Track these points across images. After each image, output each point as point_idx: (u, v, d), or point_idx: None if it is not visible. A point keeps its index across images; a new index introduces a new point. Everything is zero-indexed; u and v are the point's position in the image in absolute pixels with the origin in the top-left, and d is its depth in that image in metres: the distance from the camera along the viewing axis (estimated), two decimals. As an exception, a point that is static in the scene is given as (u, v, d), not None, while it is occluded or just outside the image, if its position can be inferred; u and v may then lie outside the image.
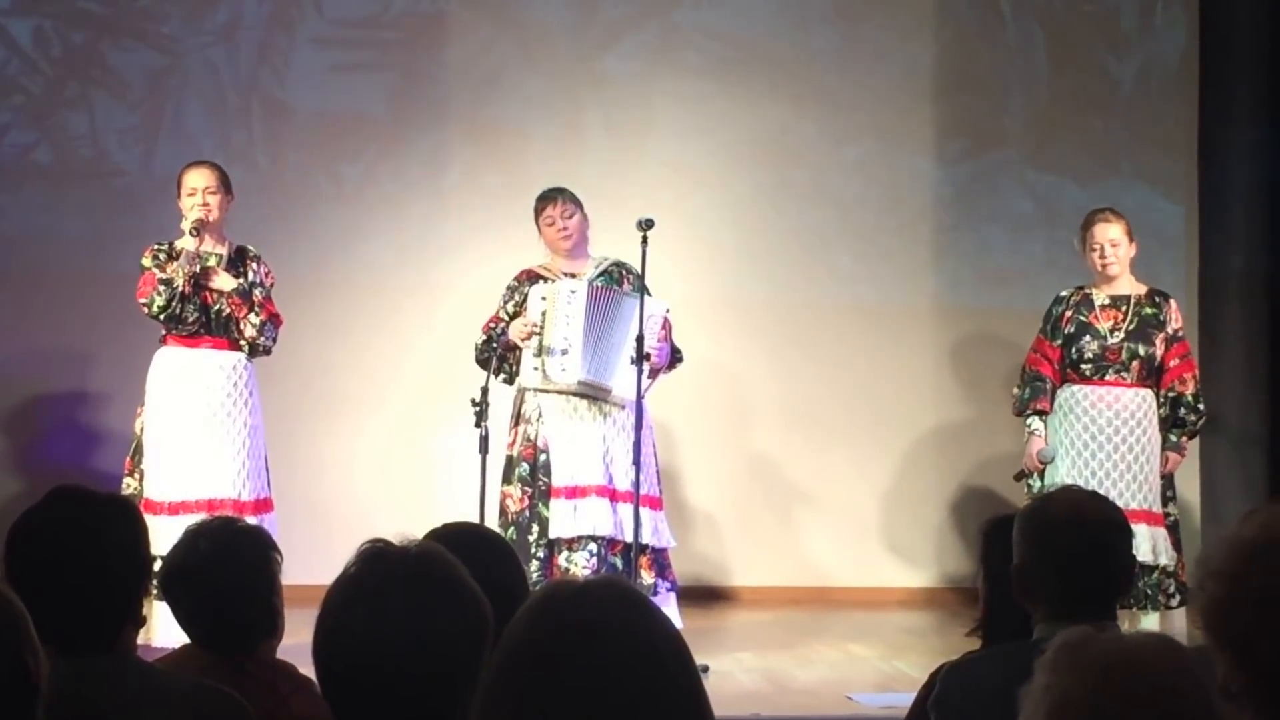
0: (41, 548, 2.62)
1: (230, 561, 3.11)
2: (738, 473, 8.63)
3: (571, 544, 6.48)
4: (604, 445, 6.57)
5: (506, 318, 6.68)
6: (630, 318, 6.51)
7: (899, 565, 8.69)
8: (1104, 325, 6.74)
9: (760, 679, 6.39)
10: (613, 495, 6.52)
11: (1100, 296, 6.79)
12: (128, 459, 6.55)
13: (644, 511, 6.48)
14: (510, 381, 6.73)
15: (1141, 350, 6.71)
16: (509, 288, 6.77)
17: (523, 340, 6.56)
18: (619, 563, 6.51)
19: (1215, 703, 1.81)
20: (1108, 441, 6.67)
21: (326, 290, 8.27)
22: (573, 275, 6.69)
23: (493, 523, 6.36)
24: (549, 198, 6.74)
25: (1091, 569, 2.95)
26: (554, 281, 6.64)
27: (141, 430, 6.52)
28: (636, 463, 6.32)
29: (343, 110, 8.42)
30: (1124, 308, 6.77)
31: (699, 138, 8.66)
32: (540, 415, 6.59)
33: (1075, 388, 6.77)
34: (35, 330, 8.11)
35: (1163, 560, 6.58)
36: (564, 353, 6.49)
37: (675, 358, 6.76)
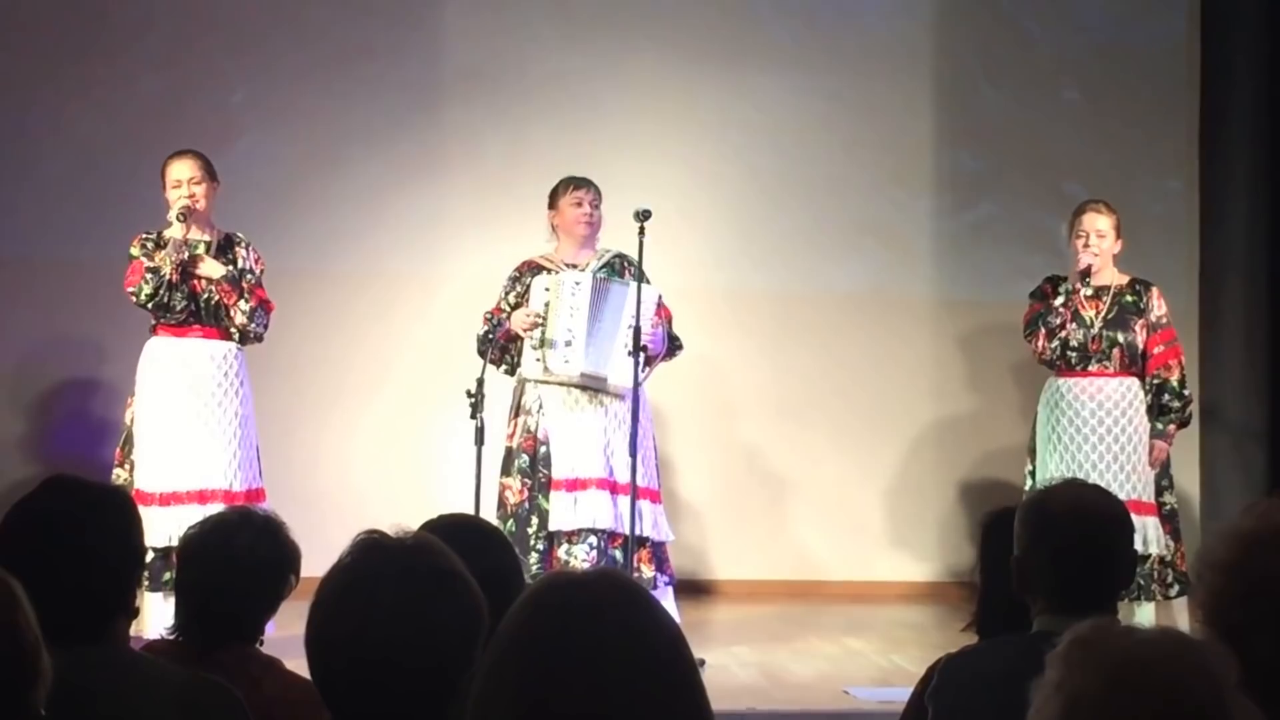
0: (35, 538, 2.61)
1: (260, 560, 3.10)
2: (733, 465, 8.62)
3: (571, 537, 6.44)
4: (604, 437, 6.54)
5: (508, 308, 6.64)
6: (621, 306, 6.49)
7: (896, 559, 8.68)
8: (1088, 314, 6.75)
9: (756, 673, 6.39)
10: (613, 488, 6.49)
11: (1084, 289, 6.78)
12: (118, 449, 6.54)
13: (644, 505, 6.47)
14: (511, 372, 6.70)
15: (1121, 338, 6.72)
16: (510, 278, 6.73)
17: (525, 331, 6.53)
18: (619, 556, 6.49)
19: (1229, 701, 1.79)
20: (1092, 433, 6.67)
21: (322, 281, 8.25)
22: (574, 266, 6.67)
23: (490, 514, 6.35)
24: (584, 183, 6.68)
25: (1091, 562, 2.94)
26: (557, 272, 6.62)
27: (132, 420, 6.50)
28: (633, 454, 6.30)
29: (339, 99, 8.41)
30: (1104, 297, 6.78)
31: (695, 128, 8.64)
32: (541, 407, 6.56)
33: (1060, 380, 6.78)
34: (39, 320, 8.11)
35: (1154, 550, 6.58)
36: (567, 344, 6.45)
37: (674, 346, 6.72)
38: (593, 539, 6.45)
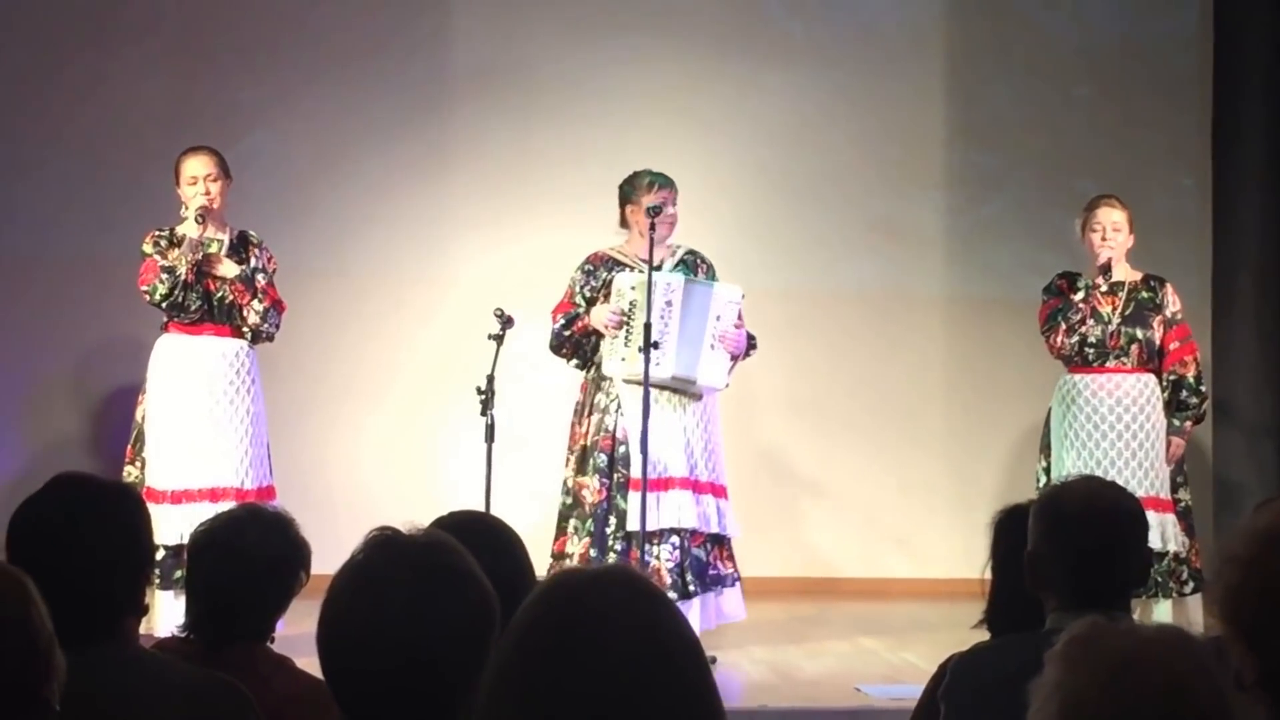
0: (42, 535, 2.60)
1: (270, 558, 3.09)
2: (744, 463, 8.59)
3: (652, 536, 6.33)
4: (684, 436, 6.47)
5: (583, 302, 6.55)
6: (707, 307, 6.44)
7: (907, 556, 8.67)
8: (1105, 310, 6.74)
9: (768, 670, 6.38)
10: (695, 486, 6.44)
11: (1103, 284, 6.77)
12: (129, 447, 6.52)
13: (722, 503, 6.48)
14: (583, 367, 6.61)
15: (1139, 334, 6.71)
16: (584, 271, 6.61)
17: (610, 329, 6.42)
18: (702, 555, 6.45)
19: (1228, 698, 1.78)
20: (1110, 430, 6.65)
21: (329, 279, 8.25)
22: (647, 261, 6.56)
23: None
24: (668, 182, 6.53)
25: (1104, 559, 2.92)
26: (641, 271, 6.45)
27: (143, 418, 6.49)
28: (644, 451, 6.24)
29: (346, 97, 8.40)
30: (1119, 293, 6.76)
31: (705, 125, 8.62)
32: (619, 406, 6.45)
33: (1076, 377, 6.75)
34: (46, 317, 8.11)
35: (1172, 546, 6.56)
36: (657, 345, 6.30)
37: (750, 346, 6.65)
38: (675, 538, 6.38)
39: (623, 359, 6.40)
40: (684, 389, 6.47)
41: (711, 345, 6.39)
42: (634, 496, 6.33)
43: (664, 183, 6.55)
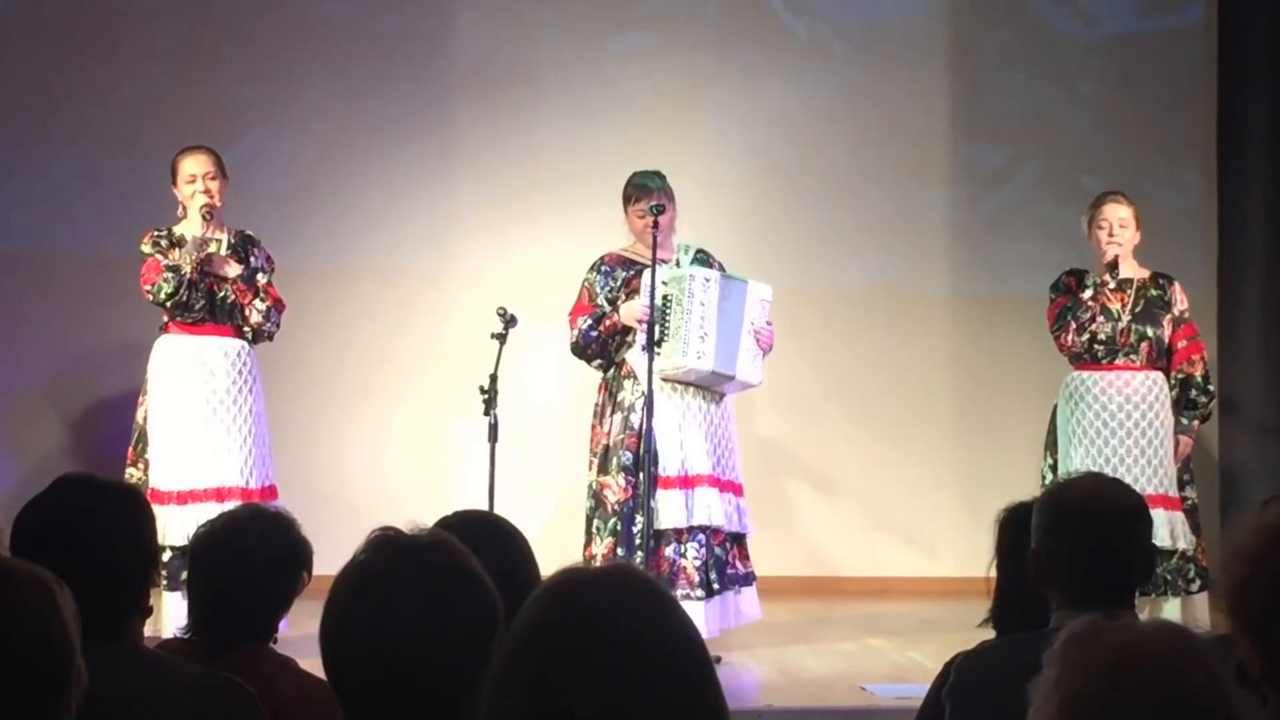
0: (46, 536, 2.60)
1: (272, 558, 3.09)
2: (747, 461, 8.53)
3: (681, 535, 6.32)
4: (710, 434, 6.46)
5: (606, 304, 6.50)
6: (741, 304, 6.43)
7: (913, 555, 8.66)
8: (1114, 307, 6.73)
9: (772, 670, 6.37)
10: (720, 484, 6.43)
11: (1111, 281, 6.76)
12: (130, 449, 6.51)
13: (741, 501, 6.48)
14: (606, 368, 6.56)
15: (1150, 332, 6.71)
16: (602, 273, 6.57)
17: (640, 324, 6.32)
18: (722, 554, 6.43)
19: (1229, 694, 1.78)
20: (1120, 427, 6.64)
21: (332, 278, 8.25)
22: (664, 261, 6.48)
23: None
24: (646, 191, 6.48)
25: (1109, 556, 2.92)
26: (672, 266, 6.42)
27: (144, 419, 6.48)
28: (649, 448, 6.24)
29: (349, 95, 8.40)
30: (1128, 291, 6.76)
31: (708, 122, 8.62)
32: (644, 403, 6.40)
33: (1084, 374, 6.75)
34: (50, 317, 8.12)
35: (1181, 544, 6.56)
36: (702, 339, 6.29)
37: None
38: (701, 536, 6.35)
39: (657, 354, 6.36)
40: (713, 385, 6.46)
41: (749, 343, 6.38)
42: (666, 494, 6.31)
43: (653, 185, 6.50)
